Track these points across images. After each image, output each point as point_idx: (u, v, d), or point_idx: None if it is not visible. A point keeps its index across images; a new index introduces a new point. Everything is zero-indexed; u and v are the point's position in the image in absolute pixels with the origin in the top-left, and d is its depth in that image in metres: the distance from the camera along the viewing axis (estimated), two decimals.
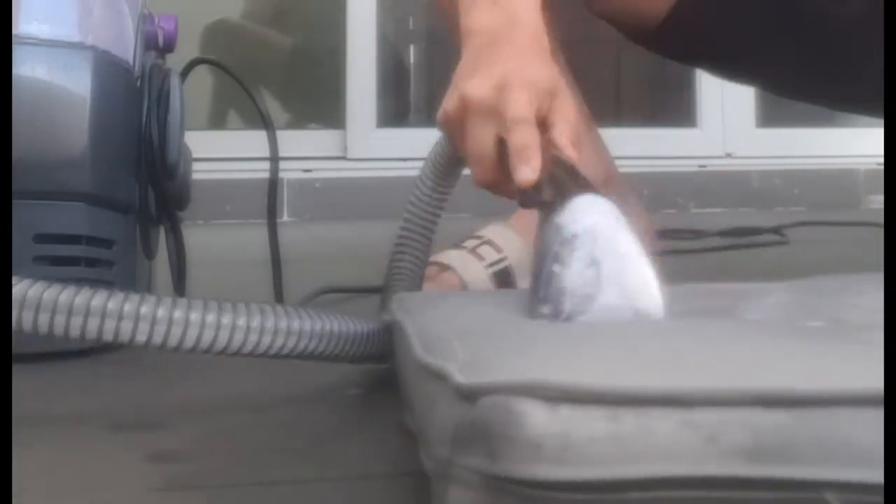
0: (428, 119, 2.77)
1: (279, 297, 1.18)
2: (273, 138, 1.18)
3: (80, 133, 0.97)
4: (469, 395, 0.46)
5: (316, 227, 2.48)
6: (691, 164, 2.96)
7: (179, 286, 1.15)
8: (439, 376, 0.50)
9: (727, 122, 3.04)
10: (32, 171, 0.93)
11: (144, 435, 0.77)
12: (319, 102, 3.20)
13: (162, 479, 0.66)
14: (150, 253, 1.10)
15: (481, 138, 0.81)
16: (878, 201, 2.86)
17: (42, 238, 0.96)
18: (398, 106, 3.24)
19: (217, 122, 3.15)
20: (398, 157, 2.63)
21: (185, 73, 1.12)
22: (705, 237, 2.02)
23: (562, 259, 0.68)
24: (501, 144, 0.80)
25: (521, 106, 0.79)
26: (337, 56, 2.94)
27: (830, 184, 2.96)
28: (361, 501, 0.63)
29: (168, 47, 1.15)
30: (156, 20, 1.14)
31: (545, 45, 0.87)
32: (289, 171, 2.65)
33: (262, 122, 1.17)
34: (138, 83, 1.05)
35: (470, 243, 1.21)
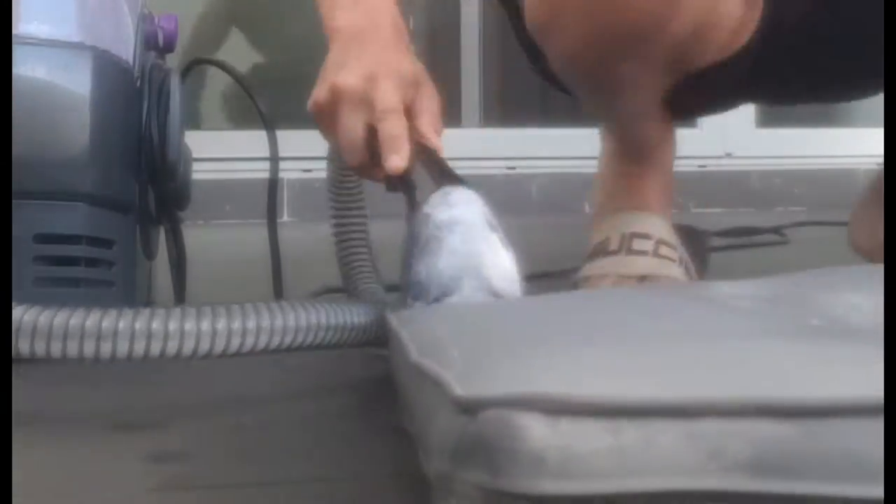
0: None
1: (279, 296, 1.18)
2: (273, 138, 1.18)
3: (80, 133, 0.97)
4: (468, 409, 0.45)
5: (316, 227, 2.48)
6: (691, 164, 2.96)
7: (179, 286, 1.15)
8: (436, 383, 0.50)
9: (727, 121, 3.03)
10: (32, 171, 0.93)
11: (144, 435, 0.77)
12: None
13: (162, 479, 0.66)
14: (150, 253, 1.10)
15: (352, 125, 0.88)
16: None
17: (42, 238, 0.96)
18: None
19: (217, 122, 3.15)
20: None
21: (185, 73, 1.12)
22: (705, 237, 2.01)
23: (430, 248, 0.76)
24: (370, 131, 0.87)
25: (389, 96, 0.87)
26: None
27: (830, 184, 2.96)
28: (361, 501, 0.63)
29: (168, 47, 1.15)
30: (156, 20, 1.14)
31: (405, 40, 0.94)
32: (289, 171, 2.64)
33: (262, 122, 1.17)
34: (138, 83, 1.05)
35: (647, 245, 1.12)
